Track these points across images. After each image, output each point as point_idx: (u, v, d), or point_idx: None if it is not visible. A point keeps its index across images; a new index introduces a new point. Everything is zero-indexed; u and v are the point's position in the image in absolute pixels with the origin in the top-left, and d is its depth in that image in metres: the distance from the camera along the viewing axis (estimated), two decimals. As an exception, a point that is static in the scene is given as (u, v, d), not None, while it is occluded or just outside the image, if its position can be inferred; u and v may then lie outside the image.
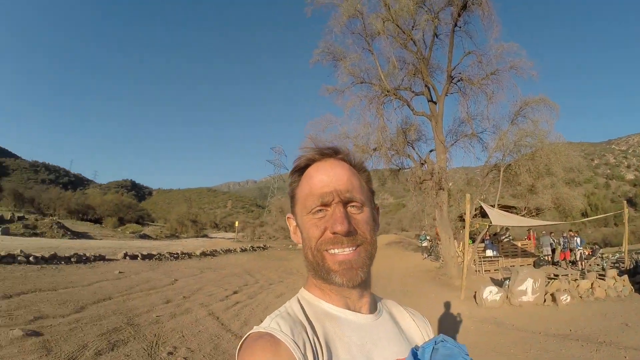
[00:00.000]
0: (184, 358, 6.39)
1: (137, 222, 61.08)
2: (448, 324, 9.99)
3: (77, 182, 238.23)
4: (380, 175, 20.78)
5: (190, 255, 24.60)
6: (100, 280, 12.89)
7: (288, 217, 1.21)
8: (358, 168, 1.14)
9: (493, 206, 17.54)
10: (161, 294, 11.86)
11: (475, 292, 12.32)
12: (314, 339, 0.97)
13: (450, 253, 17.58)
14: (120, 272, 15.03)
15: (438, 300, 12.59)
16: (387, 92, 17.91)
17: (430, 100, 18.49)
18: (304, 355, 0.90)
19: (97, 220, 54.08)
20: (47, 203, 54.61)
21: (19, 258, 14.38)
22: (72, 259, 16.39)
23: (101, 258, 18.08)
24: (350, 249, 1.01)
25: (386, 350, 1.05)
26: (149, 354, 6.43)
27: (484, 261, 19.87)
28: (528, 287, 11.80)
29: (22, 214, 33.44)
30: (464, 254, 18.17)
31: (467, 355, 0.99)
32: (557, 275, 14.03)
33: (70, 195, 62.90)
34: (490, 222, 17.70)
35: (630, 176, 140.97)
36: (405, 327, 1.22)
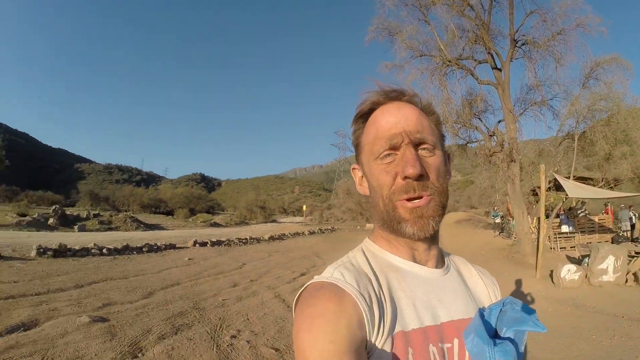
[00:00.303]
0: (247, 341, 6.14)
1: (208, 212, 62.19)
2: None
3: (149, 180, 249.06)
4: (447, 151, 19.73)
5: (258, 240, 24.64)
6: (169, 267, 13.04)
7: (353, 168, 1.14)
8: (427, 110, 1.06)
9: (568, 178, 16.50)
10: (228, 278, 11.78)
11: (552, 270, 11.51)
12: (379, 291, 0.92)
13: (523, 229, 16.67)
14: (189, 259, 15.18)
15: (511, 279, 12.04)
16: (449, 62, 17.02)
17: (495, 68, 17.41)
18: (370, 308, 0.85)
19: (169, 213, 55.72)
20: (121, 200, 56.84)
21: (92, 251, 14.79)
22: (144, 249, 16.77)
23: (172, 247, 18.38)
24: (422, 196, 0.93)
25: (451, 308, 1.00)
26: (212, 338, 6.22)
27: (559, 238, 18.56)
28: (609, 265, 10.84)
29: (97, 212, 34.68)
30: (538, 230, 17.33)
31: (537, 321, 0.88)
32: (639, 253, 12.84)
33: (143, 191, 65.27)
34: (566, 195, 16.52)
35: None
36: (473, 285, 1.17)
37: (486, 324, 0.94)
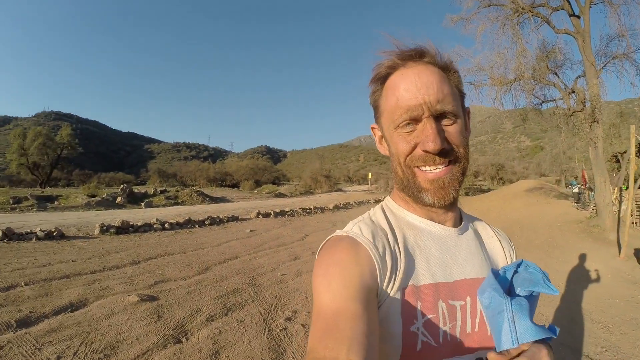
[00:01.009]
0: (302, 325, 5.47)
1: (273, 183, 62.52)
2: (604, 289, 8.26)
3: (216, 154, 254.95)
4: (521, 112, 18.38)
5: (322, 210, 24.05)
6: (229, 240, 12.63)
7: (372, 127, 1.16)
8: (448, 69, 1.01)
9: None
10: (289, 250, 11.20)
11: (638, 250, 10.19)
12: (394, 246, 0.98)
13: (605, 200, 14.84)
14: (251, 231, 14.77)
15: (592, 258, 10.92)
16: (522, 9, 15.31)
17: (573, 15, 15.39)
18: (383, 259, 0.93)
19: (235, 185, 56.12)
20: (188, 175, 57.67)
21: (154, 226, 14.61)
22: (206, 222, 16.47)
23: (234, 218, 18.05)
24: (442, 166, 0.97)
25: (466, 266, 1.05)
26: (264, 320, 5.60)
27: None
28: None
29: (163, 188, 35.11)
30: (619, 201, 15.79)
31: (549, 282, 0.92)
32: None
33: (209, 165, 65.88)
34: None
35: None
36: (490, 246, 1.20)
37: (502, 282, 0.96)
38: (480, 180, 64.15)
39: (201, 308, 5.99)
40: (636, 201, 16.12)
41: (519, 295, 0.91)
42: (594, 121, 14.45)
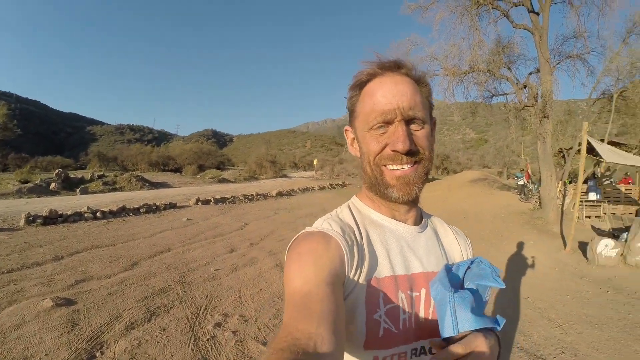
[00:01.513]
0: (233, 332, 5.01)
1: (218, 168, 60.90)
2: (554, 283, 8.29)
3: (161, 138, 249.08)
4: (471, 105, 18.52)
5: (265, 197, 23.37)
6: (164, 230, 11.98)
7: (346, 130, 1.24)
8: (420, 82, 1.13)
9: (602, 141, 15.13)
10: (227, 241, 10.67)
11: (587, 244, 10.21)
12: (360, 241, 1.07)
13: (550, 194, 15.25)
14: (188, 219, 14.11)
15: (537, 249, 11.09)
16: (483, 1, 15.22)
17: (532, 11, 15.55)
18: (351, 251, 1.01)
19: (178, 170, 54.78)
20: (129, 160, 55.75)
21: (85, 215, 13.62)
22: (142, 210, 15.62)
23: (172, 206, 17.24)
24: (409, 165, 1.06)
25: (424, 261, 1.15)
26: (190, 327, 5.10)
27: (585, 206, 16.93)
28: None
29: (101, 173, 33.67)
30: (563, 195, 16.30)
31: (498, 277, 1.00)
32: None
33: (151, 149, 63.80)
34: (598, 160, 15.50)
35: None
36: (447, 243, 1.30)
37: (454, 277, 1.04)
38: (426, 170, 64.83)
39: (122, 313, 5.44)
40: (580, 196, 16.56)
41: (465, 289, 0.97)
42: (544, 116, 14.73)
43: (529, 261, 10.05)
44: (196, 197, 19.06)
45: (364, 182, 1.17)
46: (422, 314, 1.08)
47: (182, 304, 5.89)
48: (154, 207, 16.30)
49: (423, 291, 1.09)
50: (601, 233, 12.58)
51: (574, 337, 5.54)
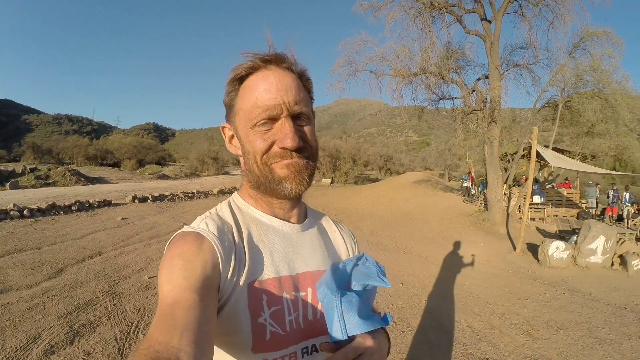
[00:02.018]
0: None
1: (158, 163, 59.82)
2: (510, 288, 8.31)
3: (101, 130, 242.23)
4: (417, 108, 18.74)
5: (206, 194, 22.46)
6: (96, 231, 11.21)
7: (223, 127, 1.16)
8: (303, 77, 1.09)
9: (547, 147, 15.85)
10: (163, 243, 9.98)
11: (539, 246, 10.56)
12: (239, 242, 1.02)
13: (497, 196, 15.78)
14: (123, 219, 13.31)
15: (488, 252, 11.28)
16: (437, 4, 15.37)
17: (484, 19, 16.04)
18: (227, 254, 0.95)
19: (116, 164, 53.11)
20: (65, 152, 53.65)
21: (11, 213, 12.61)
22: (73, 208, 14.68)
23: (107, 204, 16.37)
24: (297, 158, 1.02)
25: (308, 260, 1.12)
26: (119, 350, 4.56)
27: (530, 208, 17.42)
28: (599, 246, 9.99)
29: (34, 166, 31.95)
30: (509, 198, 17.11)
31: (384, 276, 1.00)
32: (624, 235, 12.15)
33: (88, 141, 61.71)
34: (547, 164, 16.39)
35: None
36: (333, 240, 1.28)
37: (341, 276, 1.02)
38: (369, 170, 65.42)
39: (41, 333, 4.84)
40: (524, 199, 17.06)
41: (352, 290, 0.97)
42: (492, 121, 15.18)
43: (482, 263, 10.18)
44: (133, 194, 18.15)
45: (248, 181, 1.11)
46: (309, 313, 1.06)
47: (111, 321, 5.32)
48: (87, 205, 15.44)
49: (309, 290, 1.08)
50: (547, 235, 13.03)
51: (541, 344, 5.47)
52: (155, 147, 70.13)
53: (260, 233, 1.06)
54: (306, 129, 1.04)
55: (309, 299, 1.07)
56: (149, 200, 18.11)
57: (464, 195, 23.04)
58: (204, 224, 0.99)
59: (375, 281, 0.97)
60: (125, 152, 56.96)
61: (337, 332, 0.90)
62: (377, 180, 41.78)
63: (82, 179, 29.23)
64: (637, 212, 20.03)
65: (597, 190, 20.49)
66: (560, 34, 15.66)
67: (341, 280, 1.00)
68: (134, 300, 6.13)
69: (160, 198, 19.01)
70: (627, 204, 18.95)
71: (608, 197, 19.97)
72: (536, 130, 11.64)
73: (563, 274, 9.42)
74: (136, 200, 17.68)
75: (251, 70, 1.02)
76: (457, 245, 12.10)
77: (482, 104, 15.52)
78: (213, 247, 0.92)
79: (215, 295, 0.89)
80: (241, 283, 0.96)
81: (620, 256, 10.07)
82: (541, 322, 6.27)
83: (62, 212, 13.93)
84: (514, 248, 11.61)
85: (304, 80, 1.08)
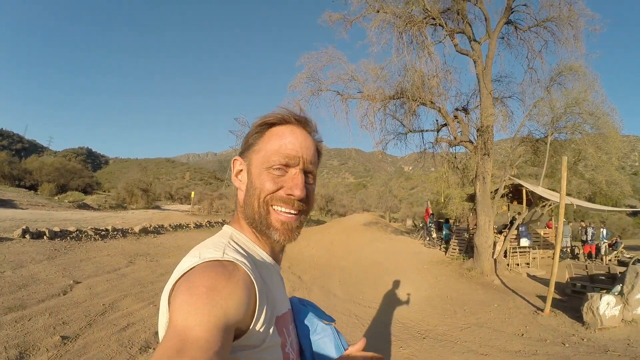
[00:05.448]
0: None
1: (84, 191, 55.08)
2: None
3: (32, 149, 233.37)
4: (383, 139, 16.84)
5: (124, 233, 17.61)
6: None
7: (235, 159, 1.22)
8: (318, 146, 1.22)
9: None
10: (25, 325, 5.90)
11: (584, 303, 8.42)
12: (259, 277, 1.02)
13: (487, 241, 13.69)
14: (-11, 266, 8.92)
15: (510, 315, 9.15)
16: (432, 19, 13.79)
17: (473, 40, 14.42)
18: (261, 290, 0.96)
19: (34, 187, 47.59)
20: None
21: None
22: None
23: (-15, 238, 11.80)
24: (295, 212, 1.11)
25: (282, 296, 1.19)
26: None
27: (515, 253, 16.21)
28: None
29: None
30: (494, 243, 14.95)
31: (328, 316, 1.36)
32: None
33: (5, 156, 55.45)
34: (541, 202, 14.67)
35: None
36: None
37: (314, 312, 1.33)
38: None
39: None
40: (511, 242, 15.96)
41: (328, 322, 1.31)
42: (485, 154, 13.55)
43: (523, 338, 7.67)
44: (24, 227, 13.51)
45: (245, 216, 1.16)
46: (295, 343, 1.23)
47: None
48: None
49: (291, 326, 1.22)
50: (540, 281, 12.80)
51: None
52: (81, 172, 64.41)
53: (266, 274, 1.09)
54: (310, 187, 1.16)
55: (293, 332, 1.23)
56: (44, 237, 13.58)
57: (424, 239, 22.36)
58: (230, 251, 0.99)
59: (326, 317, 1.35)
60: (45, 174, 51.65)
61: (338, 349, 1.24)
62: (320, 222, 39.40)
63: (-17, 202, 24.31)
64: (610, 247, 20.04)
65: (570, 229, 21.06)
66: (542, 67, 15.43)
67: (317, 315, 1.33)
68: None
69: (62, 235, 14.45)
70: (605, 240, 19.66)
71: (585, 234, 20.15)
72: (565, 159, 9.75)
73: (617, 335, 7.65)
74: (27, 236, 13.14)
75: (282, 121, 1.15)
76: (468, 312, 9.54)
77: (478, 132, 14.07)
78: (249, 278, 0.93)
79: (232, 333, 0.85)
80: (269, 316, 0.99)
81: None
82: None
83: None
84: (530, 304, 9.89)
85: (318, 149, 1.22)
